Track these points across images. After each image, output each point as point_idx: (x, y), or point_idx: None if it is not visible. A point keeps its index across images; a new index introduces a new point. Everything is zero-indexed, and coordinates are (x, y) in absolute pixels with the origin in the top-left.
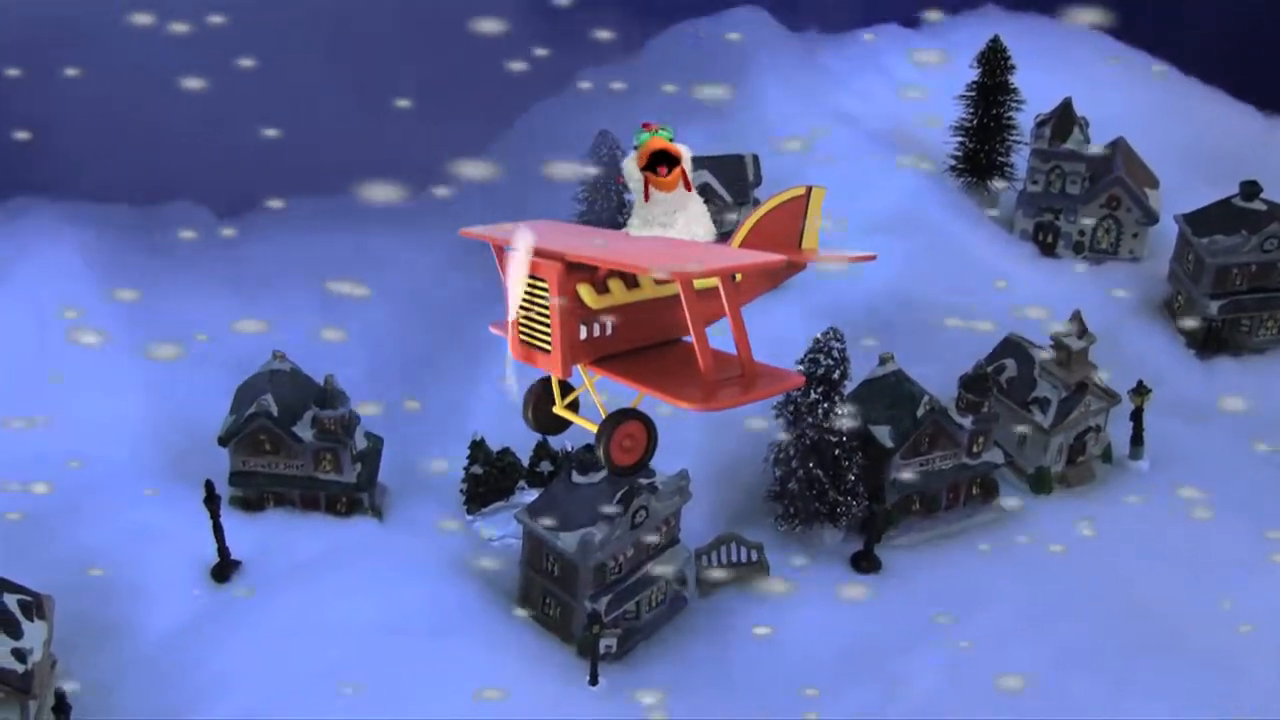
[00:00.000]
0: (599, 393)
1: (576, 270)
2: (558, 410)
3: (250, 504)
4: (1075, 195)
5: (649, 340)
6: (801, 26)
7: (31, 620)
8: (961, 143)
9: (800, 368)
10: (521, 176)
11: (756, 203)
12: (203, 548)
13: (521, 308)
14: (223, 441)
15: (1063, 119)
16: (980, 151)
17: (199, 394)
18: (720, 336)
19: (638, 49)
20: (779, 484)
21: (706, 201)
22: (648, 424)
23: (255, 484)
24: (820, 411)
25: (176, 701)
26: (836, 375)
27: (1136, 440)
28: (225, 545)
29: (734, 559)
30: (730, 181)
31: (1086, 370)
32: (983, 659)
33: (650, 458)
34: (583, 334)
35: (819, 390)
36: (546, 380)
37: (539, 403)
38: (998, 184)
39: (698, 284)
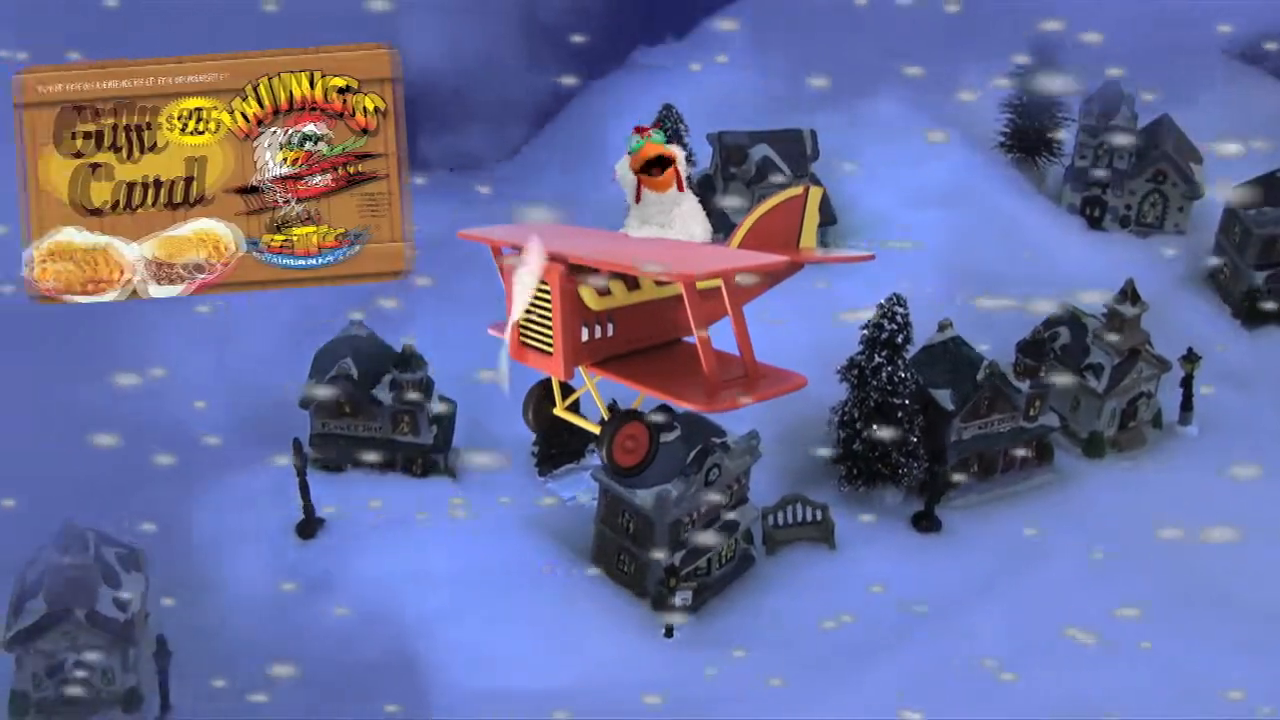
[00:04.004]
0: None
1: (578, 272)
2: (558, 412)
3: (329, 465)
4: (1122, 170)
5: (650, 341)
6: None
7: (129, 572)
8: (1010, 119)
9: (865, 332)
10: (579, 152)
11: (814, 177)
12: (285, 505)
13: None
14: (304, 404)
15: (1110, 96)
16: (1029, 127)
17: (270, 360)
18: (721, 338)
19: (690, 27)
20: (842, 446)
21: (766, 175)
22: (649, 425)
23: (335, 445)
24: (884, 375)
25: (273, 649)
26: (900, 339)
27: (1186, 406)
28: (311, 503)
29: (800, 518)
30: (789, 156)
31: (1138, 338)
32: (1046, 613)
33: (653, 458)
34: (584, 336)
35: (883, 354)
36: (547, 382)
37: (539, 404)
38: (1043, 160)
39: (700, 285)
